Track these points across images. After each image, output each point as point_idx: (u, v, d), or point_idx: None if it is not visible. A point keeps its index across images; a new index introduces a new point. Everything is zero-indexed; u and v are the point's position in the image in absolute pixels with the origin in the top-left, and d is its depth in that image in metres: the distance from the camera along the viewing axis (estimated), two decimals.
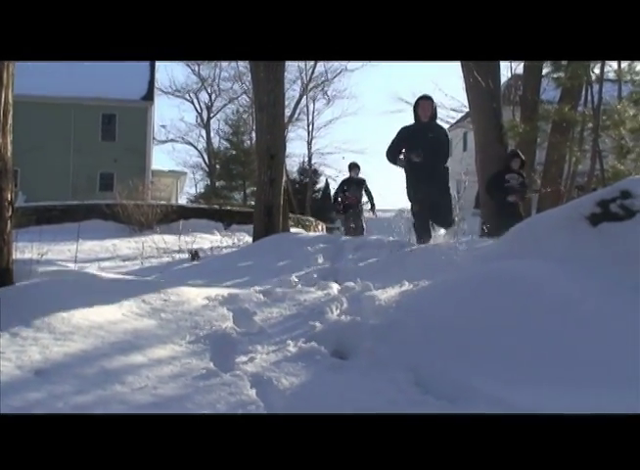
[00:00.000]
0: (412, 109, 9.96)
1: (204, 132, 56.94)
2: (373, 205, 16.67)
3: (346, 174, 17.12)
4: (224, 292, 6.77)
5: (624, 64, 19.00)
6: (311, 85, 52.91)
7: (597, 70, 16.26)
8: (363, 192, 16.52)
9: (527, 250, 6.48)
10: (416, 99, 10.11)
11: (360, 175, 16.84)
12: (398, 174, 77.96)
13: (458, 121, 37.98)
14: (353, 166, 16.61)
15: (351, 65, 61.44)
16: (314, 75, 52.61)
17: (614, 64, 19.65)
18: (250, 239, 16.48)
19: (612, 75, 19.24)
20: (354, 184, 16.37)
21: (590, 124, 16.18)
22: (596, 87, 16.21)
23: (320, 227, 29.80)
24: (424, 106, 9.90)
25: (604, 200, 6.62)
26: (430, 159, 9.56)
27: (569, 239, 6.29)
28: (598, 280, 5.33)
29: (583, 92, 17.83)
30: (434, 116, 10.06)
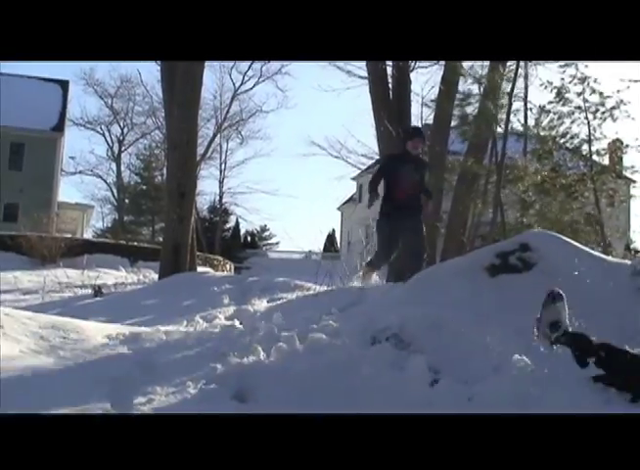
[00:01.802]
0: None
1: (114, 166, 56.22)
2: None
3: None
4: (125, 330, 6.69)
5: (531, 119, 19.76)
6: (226, 125, 52.94)
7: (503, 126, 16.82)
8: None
9: (430, 298, 6.61)
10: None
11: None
12: (307, 217, 78.01)
13: (369, 168, 38.48)
14: (415, 134, 8.87)
15: (266, 106, 61.93)
16: (229, 115, 52.70)
17: (521, 118, 20.40)
18: (156, 276, 16.30)
19: (519, 127, 19.94)
20: (411, 167, 8.56)
21: (494, 178, 16.72)
22: (501, 142, 16.78)
23: (228, 267, 29.67)
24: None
25: (503, 252, 6.85)
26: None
27: (468, 289, 6.47)
28: (492, 326, 5.52)
29: (490, 145, 18.39)
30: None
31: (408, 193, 8.38)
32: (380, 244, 8.57)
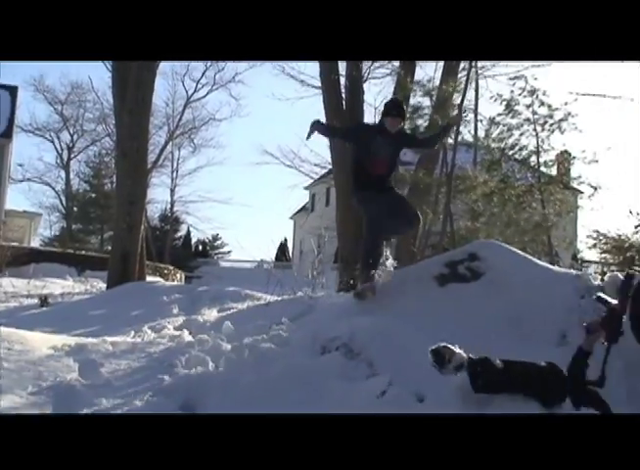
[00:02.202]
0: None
1: (63, 173, 55.40)
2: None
3: None
4: (71, 341, 6.58)
5: (481, 131, 19.98)
6: (178, 132, 52.47)
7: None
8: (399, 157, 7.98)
9: (380, 306, 6.63)
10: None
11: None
12: (259, 226, 77.91)
13: (322, 177, 38.61)
14: (393, 111, 7.48)
15: (219, 114, 61.58)
16: (181, 123, 52.29)
17: (471, 129, 20.60)
18: (104, 286, 16.09)
19: (469, 138, 20.14)
20: (389, 141, 7.37)
21: (444, 188, 16.82)
22: (451, 153, 16.85)
23: (178, 276, 29.44)
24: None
25: (452, 261, 6.91)
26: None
27: (418, 298, 6.50)
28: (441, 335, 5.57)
29: (440, 156, 18.50)
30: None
31: (383, 170, 7.37)
32: (368, 214, 7.23)
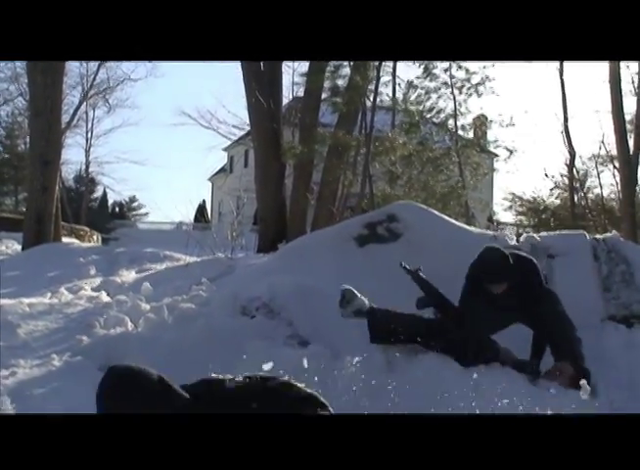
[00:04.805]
0: None
1: None
2: None
3: None
4: None
5: (399, 93, 20.13)
6: (92, 92, 51.10)
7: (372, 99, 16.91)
8: None
9: (300, 267, 6.69)
10: None
11: None
12: (177, 188, 76.85)
13: (240, 139, 38.25)
14: None
15: (135, 74, 60.22)
16: (96, 82, 50.90)
17: (389, 92, 20.71)
18: (19, 247, 15.75)
19: (388, 100, 20.23)
20: None
21: (363, 150, 16.85)
22: (370, 115, 16.87)
23: (95, 237, 28.95)
24: None
25: (371, 222, 7.00)
26: None
27: (337, 258, 6.58)
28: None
29: (359, 118, 18.51)
30: None
31: None
32: None
